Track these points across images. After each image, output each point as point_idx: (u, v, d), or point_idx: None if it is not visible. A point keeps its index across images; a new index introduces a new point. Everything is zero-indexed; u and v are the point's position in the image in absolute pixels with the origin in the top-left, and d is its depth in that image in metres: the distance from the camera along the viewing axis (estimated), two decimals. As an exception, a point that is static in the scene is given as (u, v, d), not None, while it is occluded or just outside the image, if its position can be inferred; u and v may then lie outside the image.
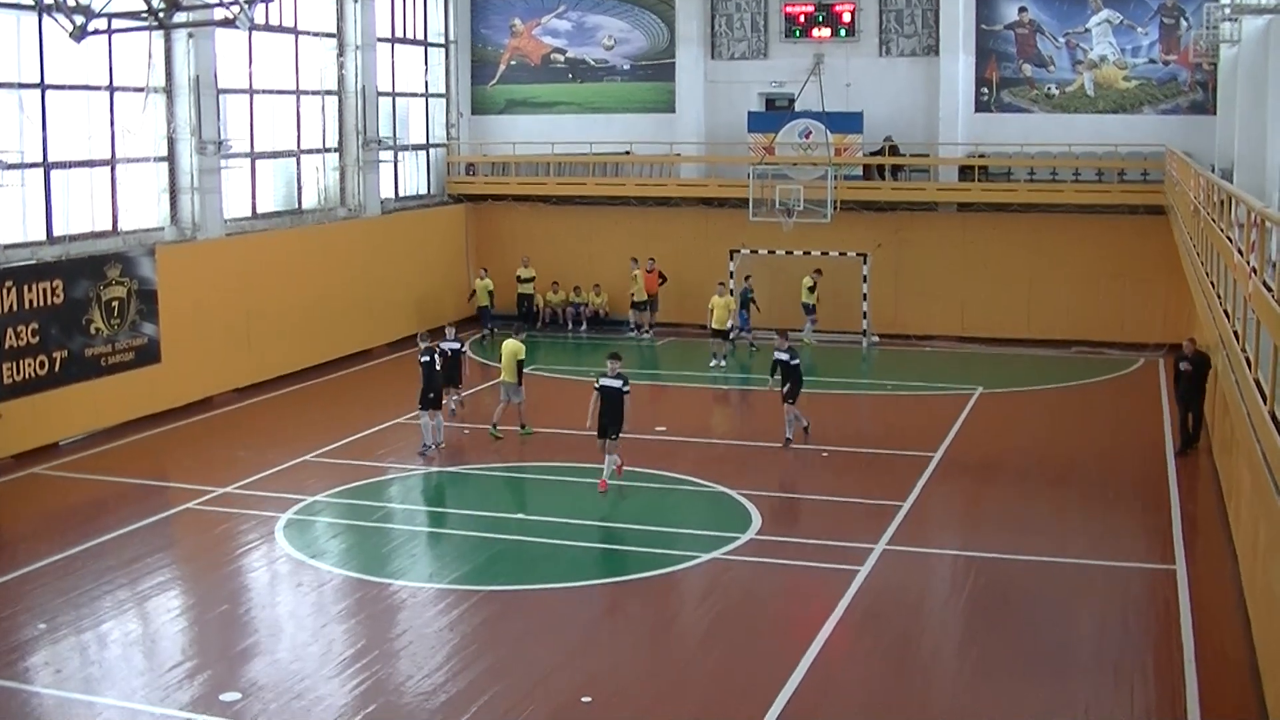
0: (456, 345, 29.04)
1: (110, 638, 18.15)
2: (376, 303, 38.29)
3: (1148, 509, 23.55)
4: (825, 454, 27.24)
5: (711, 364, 35.98)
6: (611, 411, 24.22)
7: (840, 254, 39.50)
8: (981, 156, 39.61)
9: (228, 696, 15.96)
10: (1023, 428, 30.14)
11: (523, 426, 28.38)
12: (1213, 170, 29.38)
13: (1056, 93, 39.65)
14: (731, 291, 38.39)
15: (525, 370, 28.06)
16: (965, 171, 39.65)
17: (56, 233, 28.45)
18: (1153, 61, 38.69)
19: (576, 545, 21.45)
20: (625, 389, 24.14)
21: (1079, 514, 23.47)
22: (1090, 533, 22.28)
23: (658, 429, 28.35)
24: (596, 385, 24.39)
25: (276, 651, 17.43)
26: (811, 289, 39.21)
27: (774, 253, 39.89)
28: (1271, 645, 15.65)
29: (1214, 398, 25.60)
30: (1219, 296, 18.92)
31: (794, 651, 17.12)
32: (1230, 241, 17.55)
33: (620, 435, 24.25)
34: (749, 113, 41.62)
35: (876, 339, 39.58)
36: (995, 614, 18.87)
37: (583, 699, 15.98)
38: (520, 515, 23.01)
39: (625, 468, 24.69)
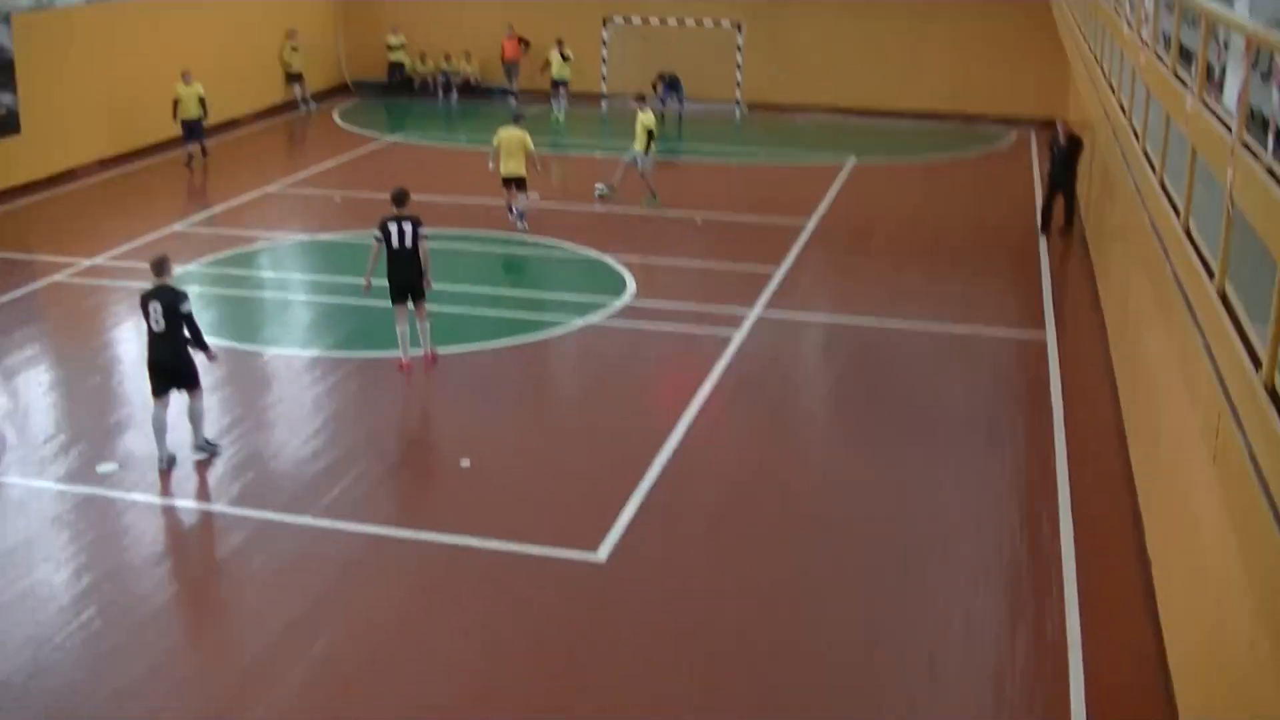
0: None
1: (-22, 410, 17.87)
2: (244, 70, 37.34)
3: (1019, 281, 23.82)
4: (699, 222, 27.21)
5: (514, 222, 26.56)
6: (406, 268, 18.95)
7: (715, 23, 39.02)
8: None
9: (104, 468, 15.78)
10: (896, 198, 30.28)
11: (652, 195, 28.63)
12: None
13: None
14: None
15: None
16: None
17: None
18: None
19: (450, 311, 21.20)
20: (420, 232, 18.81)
21: (951, 283, 23.71)
22: (962, 302, 22.51)
23: (531, 194, 28.08)
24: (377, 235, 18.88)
25: (150, 422, 17.17)
26: (566, 60, 39.01)
27: (648, 21, 39.29)
28: (1136, 408, 16.02)
29: (1088, 180, 25.76)
30: (1104, 71, 18.94)
31: (671, 415, 17.26)
32: (1118, 13, 17.51)
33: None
34: (623, -126, 40.58)
35: (747, 109, 39.34)
36: (867, 380, 19.12)
37: (462, 462, 16.01)
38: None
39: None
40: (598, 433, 17.12)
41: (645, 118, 27.98)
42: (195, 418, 16.06)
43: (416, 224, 18.77)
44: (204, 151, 32.40)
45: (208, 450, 16.16)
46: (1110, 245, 21.29)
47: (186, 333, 15.67)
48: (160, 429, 15.83)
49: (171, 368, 15.75)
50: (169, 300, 15.54)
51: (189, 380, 15.89)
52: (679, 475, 15.74)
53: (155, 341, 15.69)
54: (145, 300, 15.67)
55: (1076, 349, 20.11)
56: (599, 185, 28.71)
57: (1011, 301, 22.73)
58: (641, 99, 29.31)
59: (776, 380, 19.16)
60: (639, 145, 28.09)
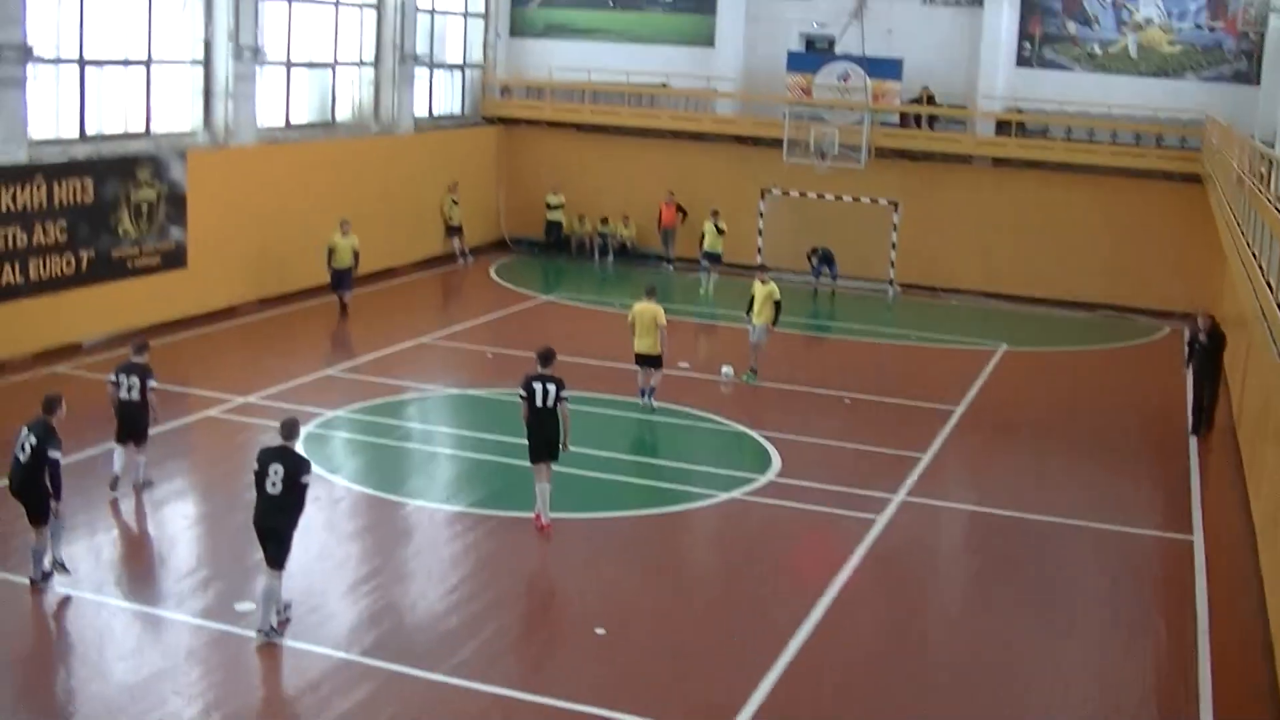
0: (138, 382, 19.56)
1: (126, 542, 18.18)
2: (405, 220, 38.19)
3: (1166, 479, 23.41)
4: (848, 401, 27.13)
5: (642, 401, 25.48)
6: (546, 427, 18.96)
7: (871, 200, 39.26)
8: (1019, 112, 39.29)
9: (242, 607, 15.95)
10: (1045, 388, 29.98)
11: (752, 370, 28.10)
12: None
13: (1099, 52, 39.18)
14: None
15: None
16: (1002, 126, 39.26)
17: (89, 131, 28.28)
18: (1199, 27, 38.20)
19: (596, 476, 21.35)
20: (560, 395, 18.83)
21: (1097, 478, 23.40)
22: (1108, 498, 22.17)
23: (681, 364, 28.17)
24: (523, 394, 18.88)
25: (290, 564, 17.35)
26: (720, 232, 38.80)
27: (805, 195, 39.63)
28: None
29: (1241, 373, 25.35)
30: (1261, 269, 18.69)
31: (809, 596, 17.10)
32: (1279, 211, 17.34)
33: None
34: (788, 52, 41.08)
35: (899, 289, 39.40)
36: (1008, 572, 18.82)
37: (596, 630, 15.98)
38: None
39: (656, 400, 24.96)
40: (735, 609, 17.01)
41: (770, 289, 27.59)
42: (270, 596, 15.37)
43: (560, 385, 18.72)
44: (344, 305, 32.38)
45: (279, 621, 15.53)
46: (1265, 448, 20.87)
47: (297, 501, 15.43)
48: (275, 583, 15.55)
49: (273, 535, 15.38)
50: (293, 466, 15.24)
51: (279, 557, 15.38)
52: (814, 657, 15.56)
53: (267, 504, 15.33)
54: (266, 459, 15.28)
55: (1224, 554, 19.64)
56: (727, 370, 28.12)
57: (1158, 501, 22.33)
58: (764, 269, 29.59)
59: (916, 567, 18.97)
60: (761, 319, 27.72)
